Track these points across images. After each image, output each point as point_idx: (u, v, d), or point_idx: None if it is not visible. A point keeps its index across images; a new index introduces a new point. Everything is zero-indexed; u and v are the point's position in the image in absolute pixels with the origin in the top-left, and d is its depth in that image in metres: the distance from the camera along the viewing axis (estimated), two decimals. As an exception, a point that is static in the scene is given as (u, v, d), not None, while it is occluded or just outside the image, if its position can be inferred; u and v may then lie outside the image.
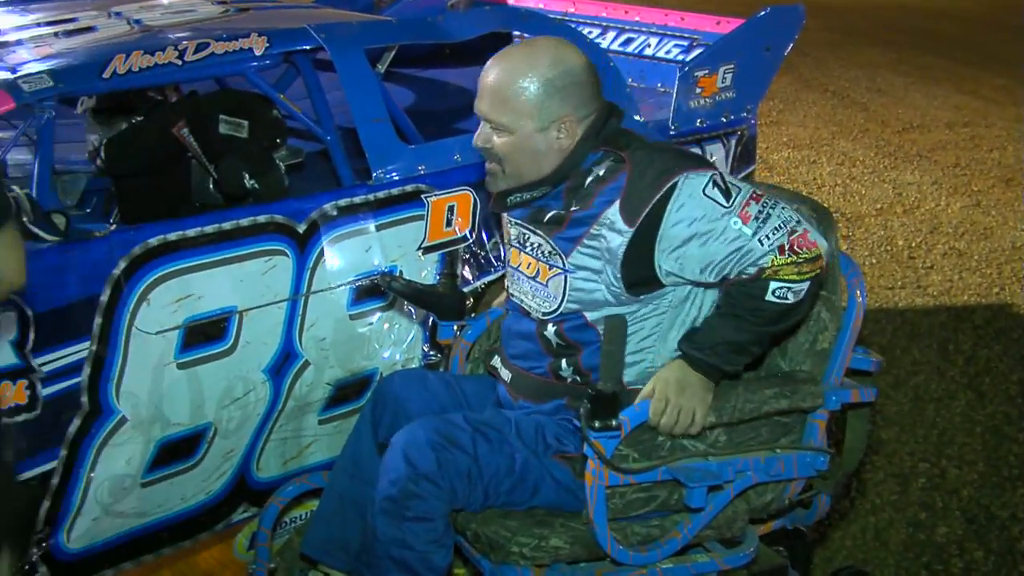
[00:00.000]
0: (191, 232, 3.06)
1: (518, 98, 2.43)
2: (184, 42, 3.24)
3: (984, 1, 16.25)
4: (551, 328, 2.56)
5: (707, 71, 4.16)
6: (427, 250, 3.46)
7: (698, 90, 4.16)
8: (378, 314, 3.38)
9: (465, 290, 3.43)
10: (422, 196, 3.45)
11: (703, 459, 2.49)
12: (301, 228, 3.25)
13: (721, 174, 2.42)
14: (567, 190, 2.49)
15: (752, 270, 2.38)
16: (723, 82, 4.22)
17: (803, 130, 9.07)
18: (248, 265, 3.16)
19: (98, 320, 2.92)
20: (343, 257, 3.32)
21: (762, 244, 2.36)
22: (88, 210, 4.01)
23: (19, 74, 3.02)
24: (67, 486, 2.95)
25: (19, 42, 3.41)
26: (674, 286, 2.47)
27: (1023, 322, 5.53)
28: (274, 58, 3.44)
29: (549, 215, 2.52)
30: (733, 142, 4.33)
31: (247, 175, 3.50)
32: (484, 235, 3.54)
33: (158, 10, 3.74)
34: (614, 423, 2.35)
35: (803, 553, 3.02)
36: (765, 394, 2.53)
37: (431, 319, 3.30)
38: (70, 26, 3.56)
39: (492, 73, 2.48)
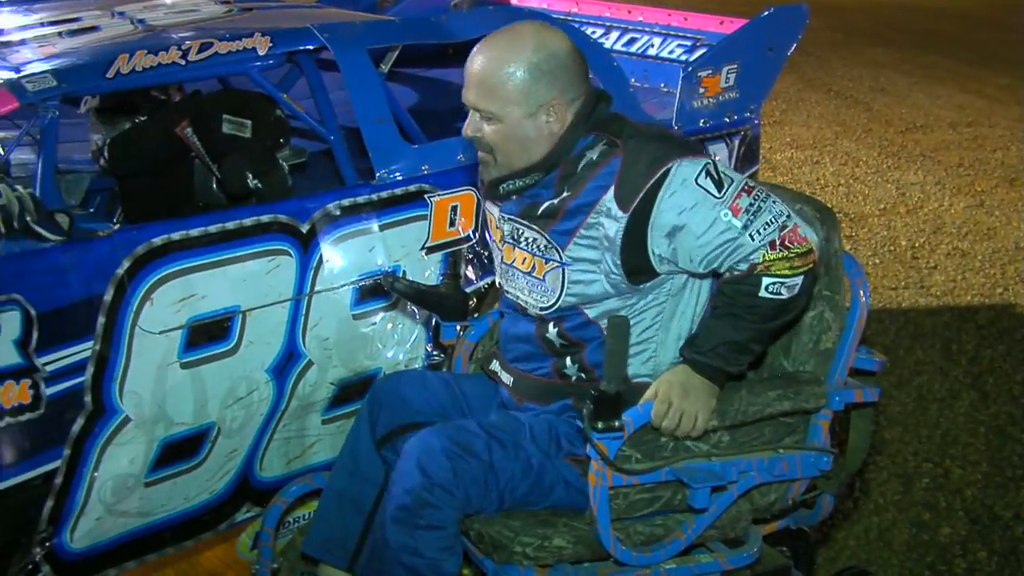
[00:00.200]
0: (194, 232, 3.06)
1: (505, 85, 2.42)
2: (187, 42, 3.24)
3: (987, 1, 16.23)
4: (552, 329, 2.55)
5: (710, 71, 4.15)
6: (430, 250, 3.46)
7: (701, 90, 4.16)
8: (381, 314, 3.38)
9: (468, 290, 3.43)
10: (425, 196, 3.44)
11: (706, 460, 2.49)
12: (304, 228, 3.25)
13: (714, 163, 2.41)
14: (559, 177, 2.48)
15: (743, 266, 2.38)
16: (726, 82, 4.21)
17: (806, 130, 9.06)
18: (251, 265, 3.16)
19: (101, 320, 2.92)
20: (346, 257, 3.32)
21: (752, 239, 2.35)
22: (91, 210, 4.01)
23: (23, 74, 3.02)
24: (70, 485, 2.94)
25: (23, 42, 3.41)
26: (670, 274, 2.47)
27: (1027, 322, 5.54)
28: (277, 58, 3.43)
29: (543, 208, 2.50)
30: (736, 142, 4.33)
31: (250, 175, 3.50)
32: (487, 235, 3.54)
33: (161, 10, 3.74)
34: (617, 424, 2.35)
35: (807, 553, 3.02)
36: (768, 396, 2.53)
37: (434, 319, 3.30)
38: (74, 26, 3.56)
39: (477, 61, 2.46)
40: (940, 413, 4.60)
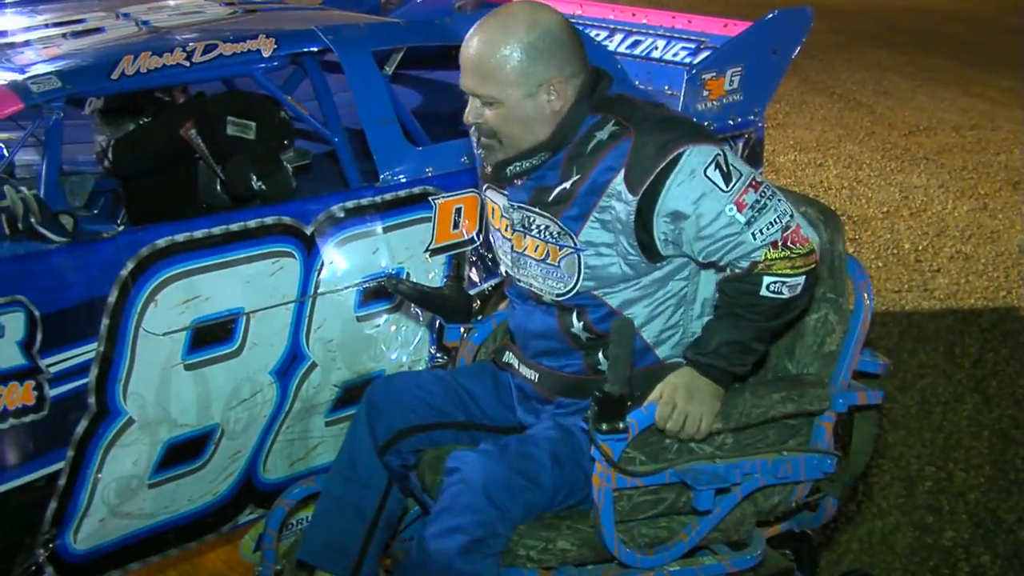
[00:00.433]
0: (198, 233, 3.07)
1: (502, 68, 2.40)
2: (192, 43, 3.25)
3: (991, 3, 16.23)
4: (577, 323, 2.54)
5: (714, 74, 4.16)
6: (434, 252, 3.46)
7: (705, 93, 4.16)
8: (385, 316, 3.38)
9: (472, 292, 3.43)
10: (429, 198, 3.45)
11: (710, 462, 2.49)
12: (308, 230, 3.25)
13: (725, 153, 2.40)
14: (567, 158, 2.46)
15: (744, 263, 2.37)
16: (730, 85, 4.22)
17: (810, 133, 9.06)
18: (255, 266, 3.16)
19: (105, 321, 2.92)
20: (350, 259, 3.32)
21: (755, 238, 2.35)
22: (96, 211, 4.01)
23: (27, 75, 3.03)
24: (74, 487, 2.95)
25: (27, 43, 3.42)
26: (675, 257, 2.47)
27: (1030, 325, 5.53)
28: (282, 60, 3.44)
29: (554, 194, 2.48)
30: (740, 145, 4.33)
31: (254, 176, 3.50)
32: (489, 225, 3.54)
33: (166, 11, 3.74)
34: (621, 426, 2.35)
35: (809, 556, 3.01)
36: (772, 398, 2.53)
37: (438, 321, 3.30)
38: (78, 27, 3.56)
39: (472, 47, 2.45)
40: (943, 416, 4.59)
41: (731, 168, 2.37)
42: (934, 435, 4.45)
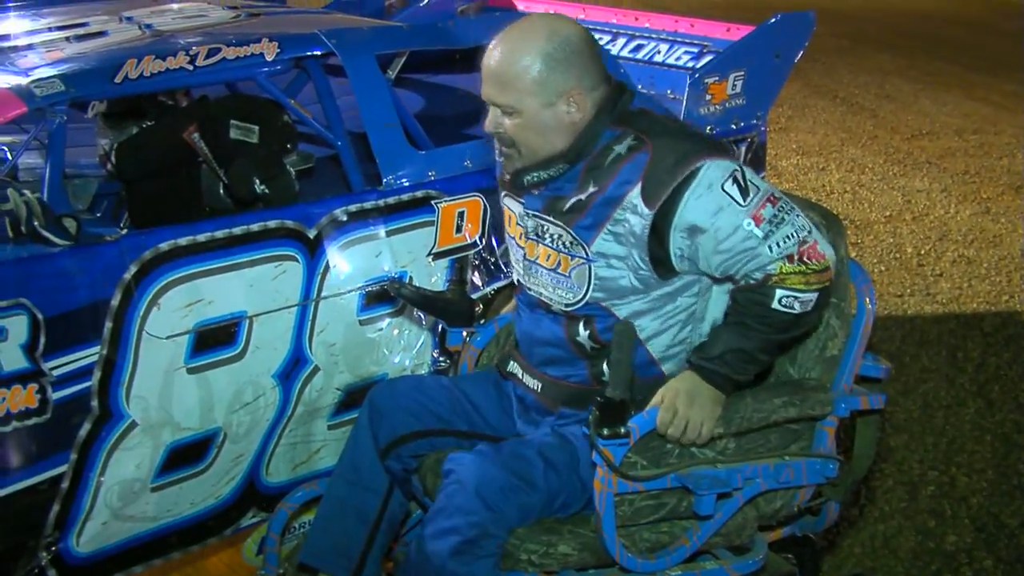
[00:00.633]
0: (201, 237, 3.07)
1: (521, 77, 2.41)
2: (195, 47, 3.25)
3: (994, 7, 16.23)
4: (583, 332, 2.54)
5: (717, 78, 4.16)
6: (437, 256, 3.46)
7: (708, 97, 4.16)
8: (388, 320, 3.38)
9: (474, 296, 3.43)
10: (432, 202, 3.45)
11: (712, 466, 2.49)
12: (311, 233, 3.26)
13: (743, 169, 2.40)
14: (585, 170, 2.46)
15: (759, 275, 2.37)
16: (733, 89, 4.21)
17: (812, 137, 9.06)
18: (258, 270, 3.16)
19: (108, 324, 2.92)
20: (353, 262, 3.33)
21: (771, 251, 2.35)
22: (99, 214, 4.02)
23: (31, 79, 3.03)
24: (77, 490, 2.95)
25: (31, 46, 3.42)
26: (688, 273, 2.46)
27: (1033, 330, 5.53)
28: (285, 63, 3.44)
29: (569, 203, 2.48)
30: (743, 149, 4.33)
31: (257, 180, 3.50)
32: (494, 241, 3.55)
33: (169, 15, 3.75)
34: (623, 430, 2.35)
35: (812, 560, 3.01)
36: (774, 403, 2.53)
37: (440, 325, 3.30)
38: (81, 31, 3.56)
39: (492, 56, 2.46)
40: (946, 420, 4.59)
41: (748, 183, 2.37)
42: (936, 439, 4.44)
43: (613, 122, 2.46)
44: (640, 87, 4.33)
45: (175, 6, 3.92)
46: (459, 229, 3.50)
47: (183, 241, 3.04)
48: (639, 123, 2.46)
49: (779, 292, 2.37)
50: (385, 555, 2.87)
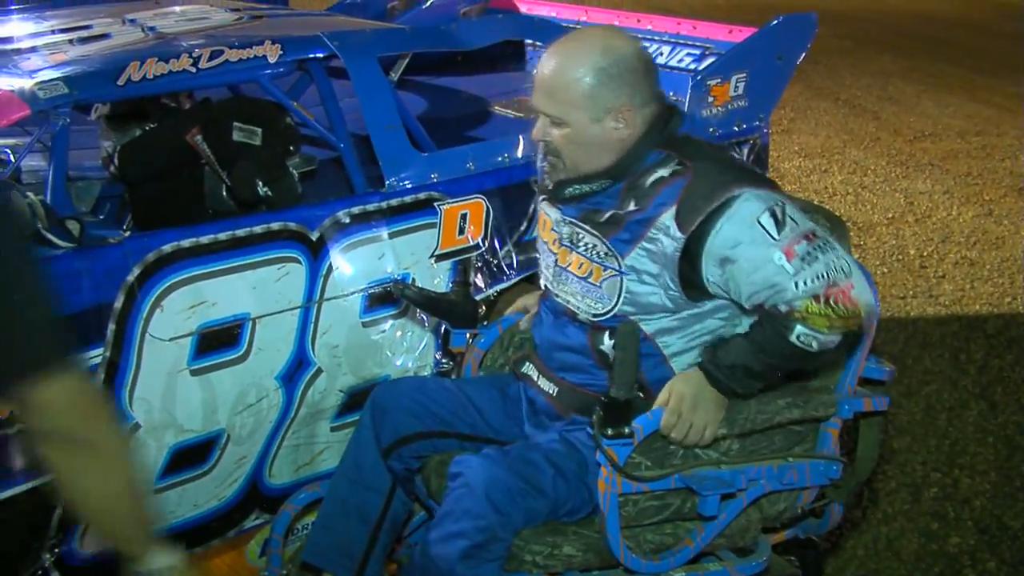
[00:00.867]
0: (204, 239, 3.07)
1: (571, 89, 2.41)
2: (198, 49, 3.25)
3: (997, 9, 16.23)
4: (608, 341, 2.52)
5: (719, 80, 4.16)
6: (439, 258, 3.46)
7: (710, 99, 4.16)
8: (390, 321, 3.38)
9: (477, 298, 3.43)
10: (435, 204, 3.45)
11: (716, 467, 2.49)
12: (314, 235, 3.26)
13: (784, 203, 2.36)
14: (625, 188, 2.46)
15: (783, 307, 2.34)
16: (735, 91, 4.22)
17: (815, 139, 9.07)
18: (261, 272, 3.16)
19: (112, 326, 2.92)
20: (356, 264, 3.32)
21: (797, 287, 2.31)
22: (102, 216, 4.02)
23: (34, 81, 3.03)
24: (80, 492, 2.95)
25: (34, 49, 3.42)
26: (718, 298, 2.45)
27: (1035, 332, 5.53)
28: (288, 66, 3.44)
29: (607, 215, 2.48)
30: (745, 151, 4.32)
31: (260, 182, 3.50)
32: (496, 243, 3.55)
33: (172, 17, 3.75)
34: (627, 431, 2.35)
35: (815, 563, 3.01)
36: (778, 404, 2.53)
37: (443, 327, 3.31)
38: (84, 33, 3.56)
39: (545, 65, 2.46)
40: (949, 423, 4.59)
41: (786, 218, 2.34)
42: (939, 441, 4.44)
43: (659, 144, 2.45)
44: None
45: (178, 9, 3.92)
46: (461, 231, 3.50)
47: (186, 243, 3.04)
48: (684, 148, 2.45)
49: (799, 328, 2.34)
50: (387, 555, 2.87)
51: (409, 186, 3.44)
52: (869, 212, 7.27)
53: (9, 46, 3.47)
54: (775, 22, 4.25)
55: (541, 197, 2.71)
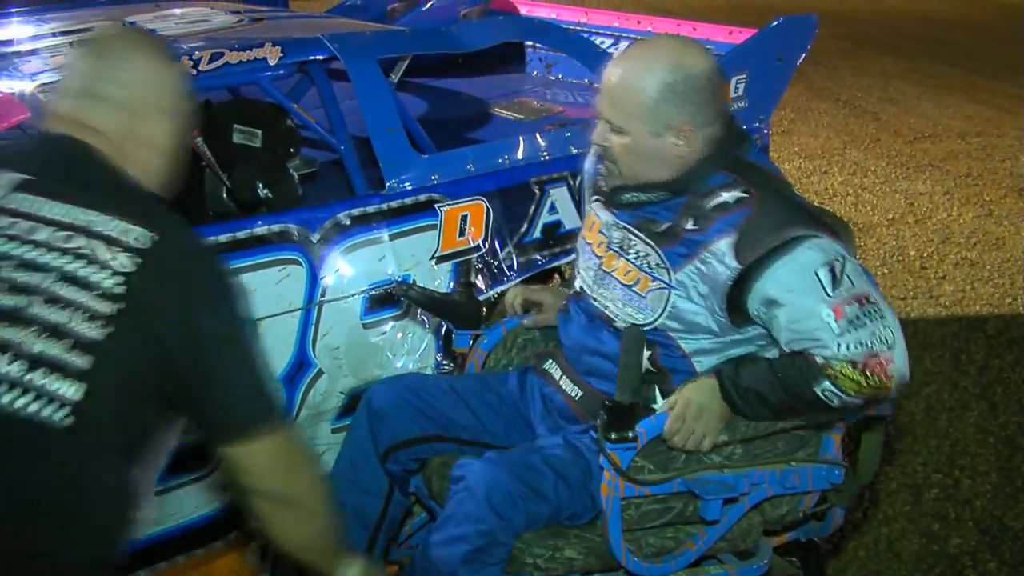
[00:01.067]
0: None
1: (634, 99, 2.40)
2: (198, 52, 3.25)
3: (997, 11, 16.24)
4: (645, 353, 2.49)
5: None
6: (440, 259, 3.46)
7: (711, 100, 4.15)
8: (391, 323, 3.38)
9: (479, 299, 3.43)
10: (435, 206, 3.45)
11: (719, 471, 2.49)
12: (315, 237, 3.25)
13: (846, 259, 2.33)
14: (686, 205, 2.43)
15: (819, 359, 2.31)
16: (735, 92, 4.21)
17: (815, 140, 9.07)
18: (261, 274, 3.16)
19: (112, 328, 2.91)
20: (356, 266, 3.32)
21: (839, 348, 2.28)
22: (102, 218, 4.01)
23: (35, 83, 3.03)
24: (81, 494, 2.94)
25: (34, 52, 3.42)
26: (759, 326, 2.43)
27: (1036, 332, 5.53)
28: (288, 68, 3.43)
29: (664, 227, 2.45)
30: (746, 152, 4.32)
31: (260, 184, 3.50)
32: (497, 245, 3.54)
33: (172, 20, 3.75)
34: (630, 435, 2.35)
35: (816, 565, 3.01)
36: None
37: (444, 328, 3.30)
38: (84, 36, 3.56)
39: (613, 71, 2.45)
40: (949, 423, 4.59)
41: (844, 276, 2.31)
42: (940, 442, 4.44)
43: (724, 167, 2.43)
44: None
45: (178, 11, 3.92)
46: (462, 233, 3.50)
47: (187, 245, 3.03)
48: (751, 176, 2.42)
49: (826, 384, 2.32)
50: (386, 558, 2.87)
51: (409, 188, 3.43)
52: (869, 213, 7.27)
53: (9, 49, 3.47)
54: (775, 23, 4.25)
55: (594, 198, 2.67)
